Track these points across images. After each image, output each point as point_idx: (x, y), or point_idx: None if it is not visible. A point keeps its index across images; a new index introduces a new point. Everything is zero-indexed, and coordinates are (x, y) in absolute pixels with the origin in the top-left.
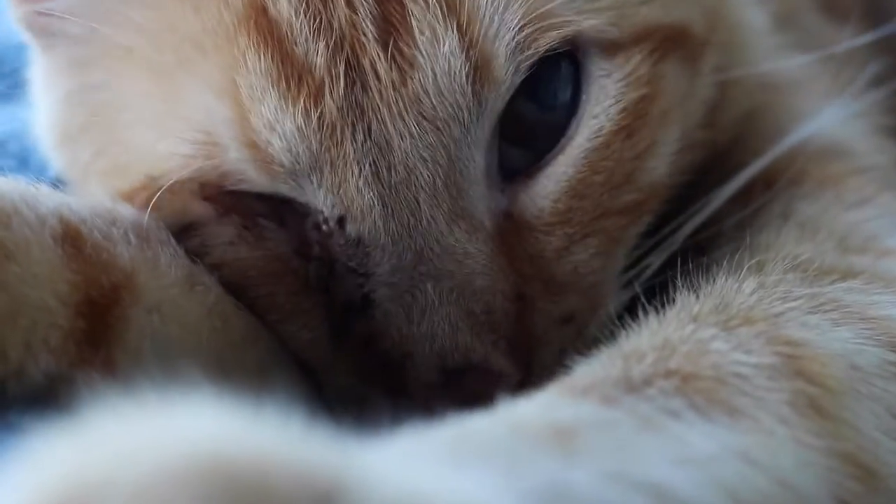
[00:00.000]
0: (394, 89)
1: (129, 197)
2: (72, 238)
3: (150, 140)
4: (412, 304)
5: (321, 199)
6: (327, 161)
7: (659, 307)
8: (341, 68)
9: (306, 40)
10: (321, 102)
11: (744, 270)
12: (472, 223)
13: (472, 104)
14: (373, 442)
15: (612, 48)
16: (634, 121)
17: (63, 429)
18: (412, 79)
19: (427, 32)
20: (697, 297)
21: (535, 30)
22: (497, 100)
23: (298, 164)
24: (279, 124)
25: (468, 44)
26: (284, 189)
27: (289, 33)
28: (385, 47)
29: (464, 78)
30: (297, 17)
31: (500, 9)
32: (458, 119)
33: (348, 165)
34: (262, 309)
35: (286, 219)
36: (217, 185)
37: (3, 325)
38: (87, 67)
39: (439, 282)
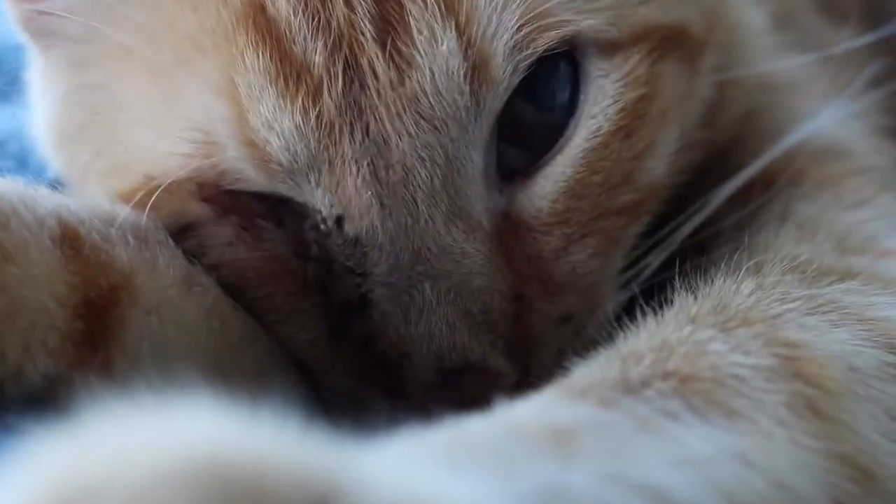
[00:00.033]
0: (392, 89)
1: (127, 197)
2: (70, 239)
3: (148, 140)
4: (410, 303)
5: (319, 199)
6: (325, 160)
7: (657, 308)
8: (340, 67)
9: (305, 39)
10: (319, 101)
11: (742, 271)
12: (469, 223)
13: (470, 104)
14: (370, 444)
15: (610, 48)
16: (633, 121)
17: (61, 431)
18: (410, 78)
19: (425, 32)
20: (695, 298)
21: (534, 30)
22: (495, 100)
23: (296, 162)
24: (277, 123)
25: (466, 43)
26: (282, 188)
27: (287, 32)
28: (383, 46)
29: (462, 77)
30: (295, 16)
31: (499, 8)
32: (456, 119)
33: (346, 165)
34: (260, 310)
35: (284, 219)
36: (215, 185)
37: (2, 326)
38: (86, 67)
39: (437, 282)
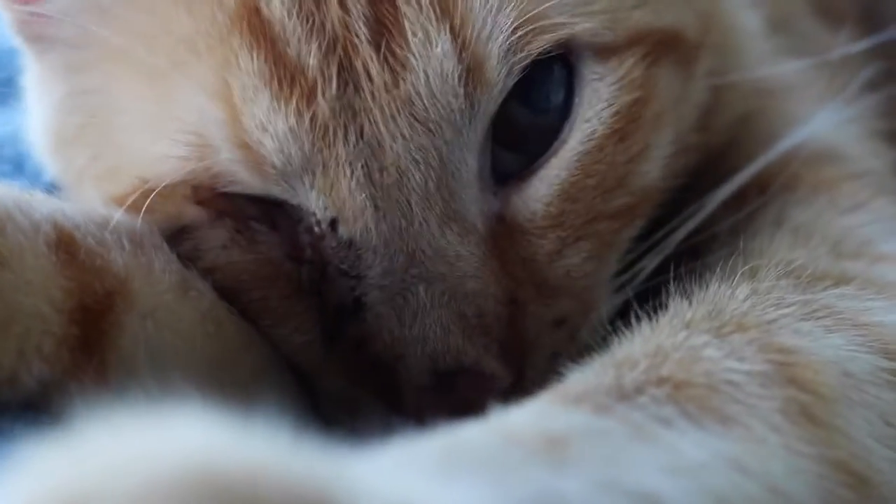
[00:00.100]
0: (386, 91)
1: (122, 201)
2: (66, 244)
3: (143, 143)
4: (404, 306)
5: (313, 201)
6: (319, 162)
7: (652, 312)
8: (334, 69)
9: (299, 41)
10: (313, 103)
11: (737, 276)
12: (464, 226)
13: (464, 106)
14: (364, 451)
15: (605, 52)
16: (627, 124)
17: (55, 438)
18: (404, 80)
19: (420, 34)
20: (690, 303)
21: (528, 32)
22: (489, 102)
23: (290, 165)
24: (271, 125)
25: (461, 46)
26: (276, 191)
27: (282, 34)
28: (377, 49)
29: (456, 80)
30: (289, 18)
31: (493, 11)
32: (451, 121)
33: (340, 167)
34: (254, 313)
35: (278, 222)
36: (210, 188)
37: None
38: (81, 71)
39: (431, 284)
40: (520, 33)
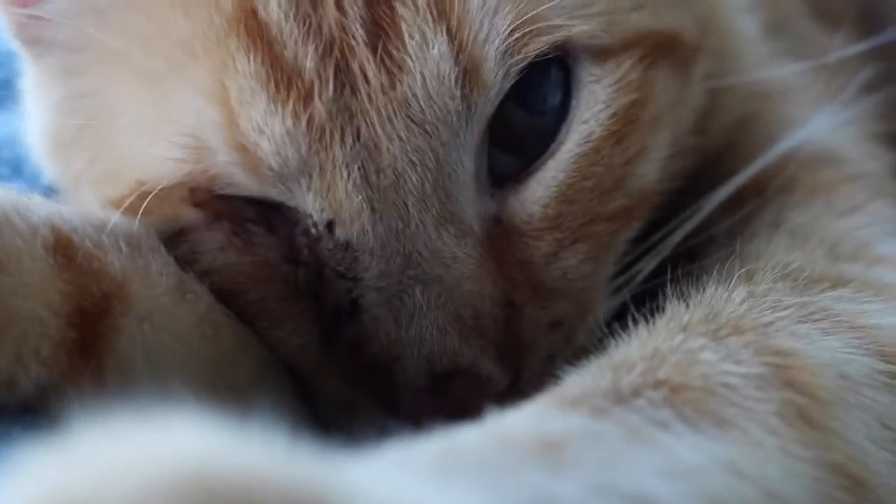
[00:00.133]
0: (382, 93)
1: (120, 203)
2: (63, 247)
3: (141, 145)
4: (400, 308)
5: (310, 203)
6: (316, 164)
7: (649, 315)
8: (331, 71)
9: (296, 43)
10: (310, 105)
11: (734, 279)
12: (460, 228)
13: (461, 108)
14: (360, 455)
15: (602, 54)
16: (624, 126)
17: (51, 442)
18: (401, 82)
19: (416, 36)
20: (687, 306)
21: (525, 35)
22: (486, 104)
23: (287, 167)
24: (268, 127)
25: (458, 48)
26: (273, 193)
27: (279, 36)
28: (374, 51)
29: (453, 82)
30: (286, 21)
31: (490, 13)
32: (447, 123)
33: (337, 169)
34: (251, 315)
35: (275, 224)
36: (207, 190)
37: None
38: (79, 74)
39: (427, 286)
40: (517, 35)
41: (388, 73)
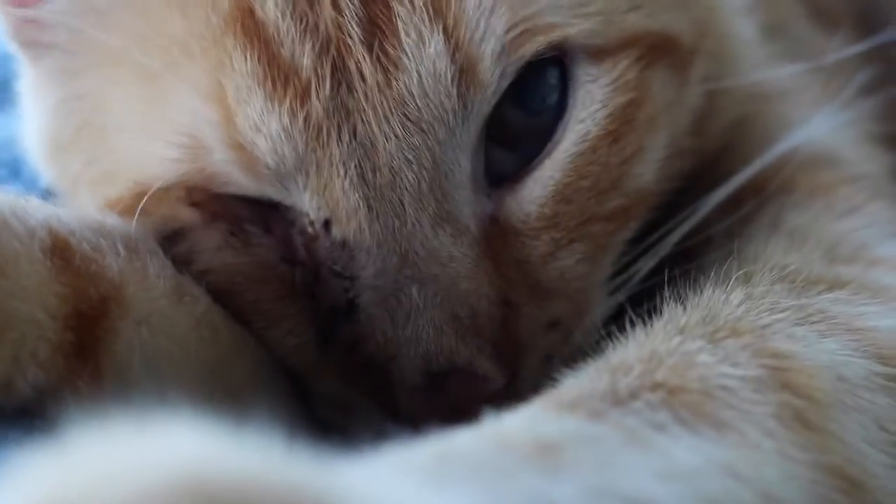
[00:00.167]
0: (379, 91)
1: (117, 204)
2: (61, 250)
3: (138, 146)
4: (397, 307)
5: (307, 202)
6: (313, 162)
7: (646, 316)
8: (327, 69)
9: (293, 42)
10: (307, 103)
11: (731, 281)
12: (457, 227)
13: (457, 107)
14: (356, 458)
15: (599, 54)
16: (621, 126)
17: (47, 447)
18: (397, 80)
19: (413, 34)
20: (684, 308)
21: (522, 34)
22: (483, 103)
23: (284, 165)
24: (265, 125)
25: (454, 46)
26: (270, 192)
27: (275, 35)
28: (370, 49)
29: (449, 80)
30: (283, 19)
31: (487, 13)
32: (444, 121)
33: (334, 167)
34: (248, 315)
35: (272, 224)
36: (204, 190)
37: None
38: (76, 76)
39: (424, 285)
40: (513, 34)
41: (385, 71)
